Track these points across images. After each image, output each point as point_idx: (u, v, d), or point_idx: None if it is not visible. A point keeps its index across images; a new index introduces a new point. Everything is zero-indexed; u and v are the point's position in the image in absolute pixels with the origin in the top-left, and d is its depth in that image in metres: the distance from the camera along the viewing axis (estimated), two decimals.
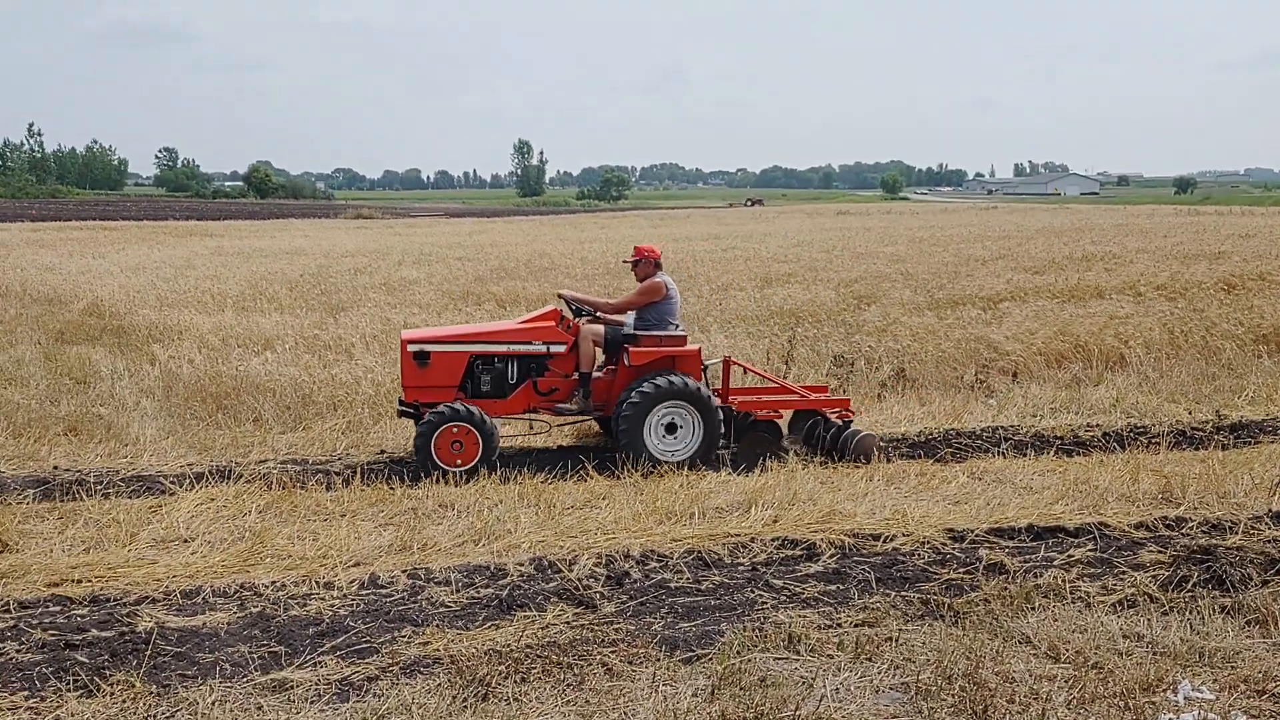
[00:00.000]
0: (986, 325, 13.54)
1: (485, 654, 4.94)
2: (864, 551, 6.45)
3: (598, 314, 9.01)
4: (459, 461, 8.31)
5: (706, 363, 9.30)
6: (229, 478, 8.04)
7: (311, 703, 4.51)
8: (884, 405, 10.86)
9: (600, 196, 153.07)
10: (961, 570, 6.09)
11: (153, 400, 10.86)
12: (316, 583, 5.92)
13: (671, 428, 8.53)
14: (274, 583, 5.92)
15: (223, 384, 11.14)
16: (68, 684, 4.64)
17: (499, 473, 8.18)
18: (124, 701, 4.49)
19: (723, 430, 8.57)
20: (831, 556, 6.35)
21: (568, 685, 4.65)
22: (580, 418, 9.10)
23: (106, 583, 5.92)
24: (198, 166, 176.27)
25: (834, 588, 5.87)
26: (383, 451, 9.22)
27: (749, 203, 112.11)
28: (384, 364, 11.65)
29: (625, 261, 9.48)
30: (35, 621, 5.34)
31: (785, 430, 9.29)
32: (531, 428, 9.60)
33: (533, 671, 4.75)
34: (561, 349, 8.80)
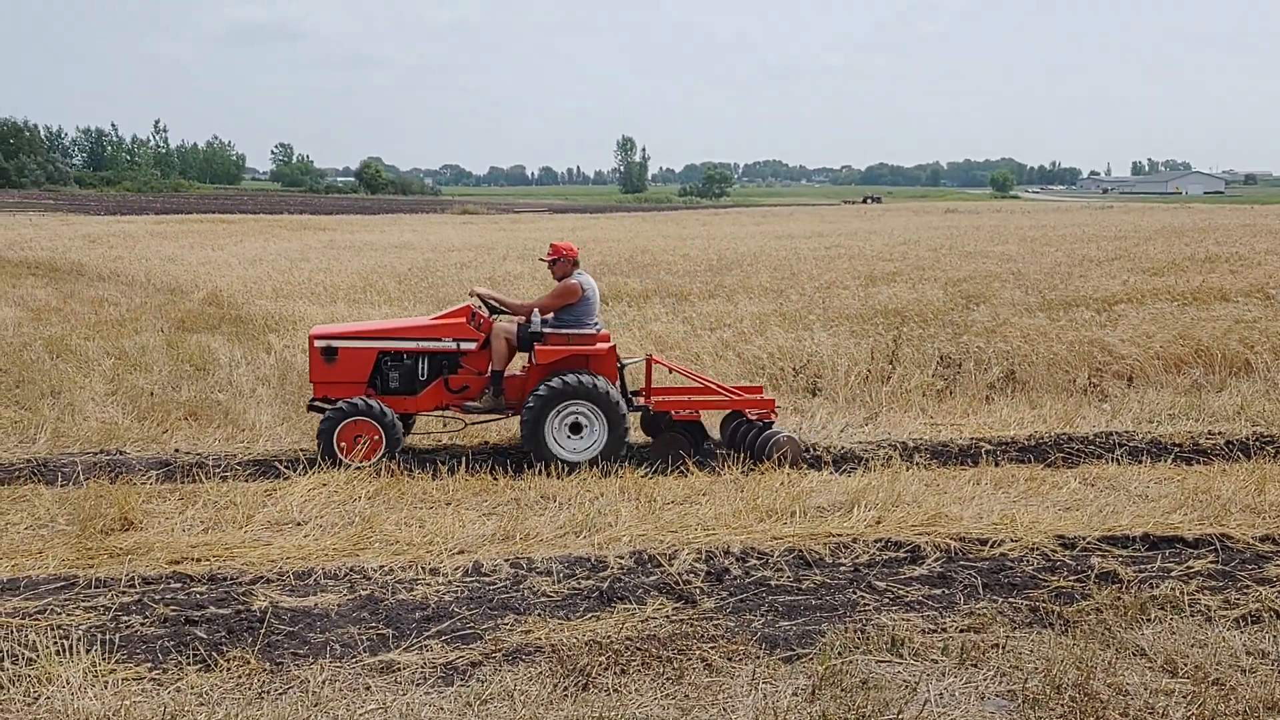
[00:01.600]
0: (1101, 327, 13.10)
1: (586, 644, 4.98)
2: (970, 556, 6.31)
3: (503, 311, 8.94)
4: (361, 456, 8.30)
5: (627, 361, 9.25)
6: (339, 463, 8.25)
7: (417, 685, 4.61)
8: (992, 408, 10.61)
9: (702, 193, 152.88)
10: (1072, 578, 5.91)
11: (268, 387, 11.21)
12: (423, 568, 6.05)
13: (576, 427, 8.40)
14: (382, 567, 6.07)
15: None
16: (187, 658, 4.84)
17: (599, 467, 8.24)
18: (240, 677, 4.66)
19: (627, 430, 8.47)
20: (936, 560, 6.23)
21: (667, 679, 4.66)
22: (490, 416, 9.00)
23: (224, 562, 6.14)
24: (311, 162, 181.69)
25: (939, 592, 5.76)
26: (485, 443, 9.37)
27: (867, 200, 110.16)
28: None
29: (541, 260, 9.32)
30: (158, 597, 5.58)
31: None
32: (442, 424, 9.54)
33: (632, 664, 4.78)
34: (472, 346, 8.75)
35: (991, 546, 6.41)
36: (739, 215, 62.09)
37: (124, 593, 5.62)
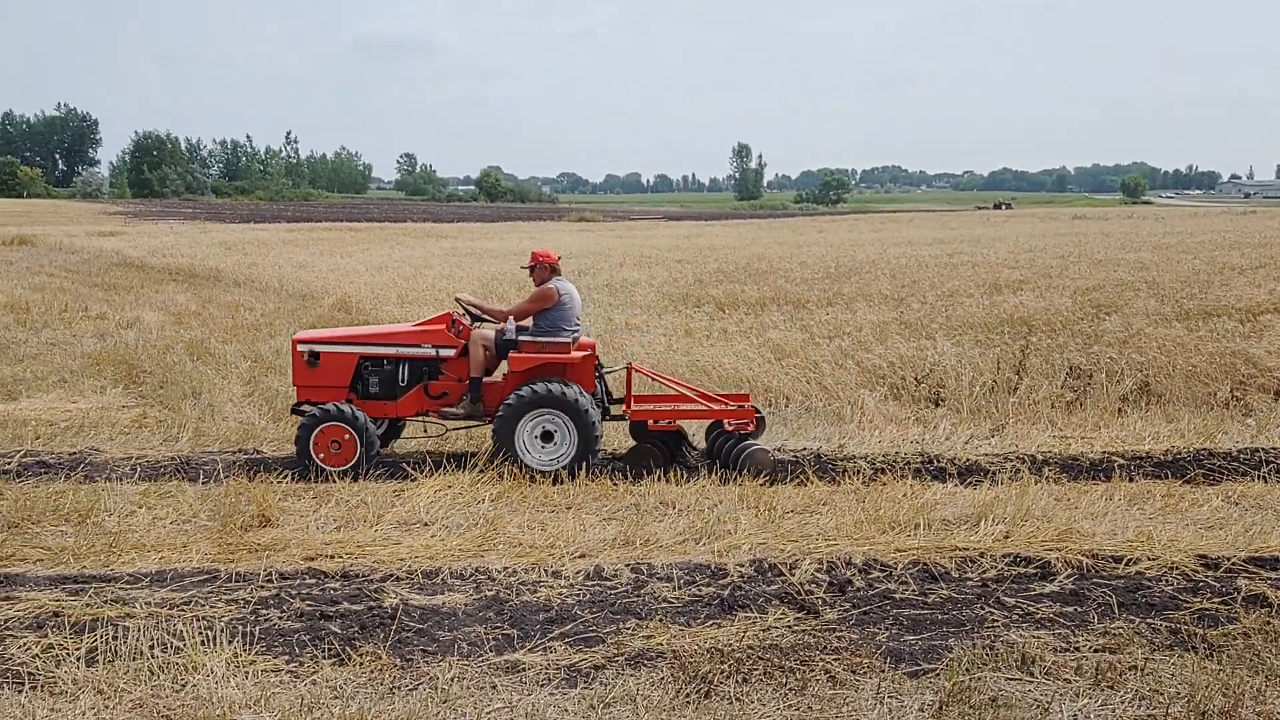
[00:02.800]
0: (1245, 338, 12.50)
1: (707, 651, 4.98)
2: (1104, 574, 6.09)
3: (484, 319, 8.91)
4: (338, 461, 8.34)
5: (611, 369, 9.22)
6: (464, 466, 8.42)
7: (541, 685, 4.68)
8: (1125, 421, 10.22)
9: (819, 200, 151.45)
10: (1216, 600, 5.65)
11: None
12: (545, 571, 6.14)
13: (547, 436, 8.34)
14: (506, 568, 6.18)
15: None
16: (323, 651, 5.01)
17: (718, 473, 8.23)
18: (372, 672, 4.80)
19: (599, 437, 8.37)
20: (1068, 577, 6.03)
21: (790, 689, 4.63)
22: (468, 422, 8.95)
23: (356, 559, 6.34)
24: (434, 171, 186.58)
25: (1071, 609, 5.58)
26: (602, 449, 9.42)
27: (997, 206, 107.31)
28: (607, 362, 11.89)
29: (523, 267, 9.25)
30: (294, 592, 5.79)
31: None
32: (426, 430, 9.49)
33: (754, 673, 4.76)
34: (451, 353, 8.75)
35: (1127, 564, 6.18)
36: (857, 221, 61.28)
37: (262, 587, 5.85)
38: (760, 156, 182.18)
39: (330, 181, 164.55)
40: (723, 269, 22.81)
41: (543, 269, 8.74)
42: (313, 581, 5.98)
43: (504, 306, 9.03)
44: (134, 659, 4.82)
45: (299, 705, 4.45)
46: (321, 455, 8.35)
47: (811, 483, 8.10)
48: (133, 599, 5.63)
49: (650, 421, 8.78)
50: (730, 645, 5.09)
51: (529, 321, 8.73)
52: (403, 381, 8.88)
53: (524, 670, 4.84)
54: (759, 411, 8.93)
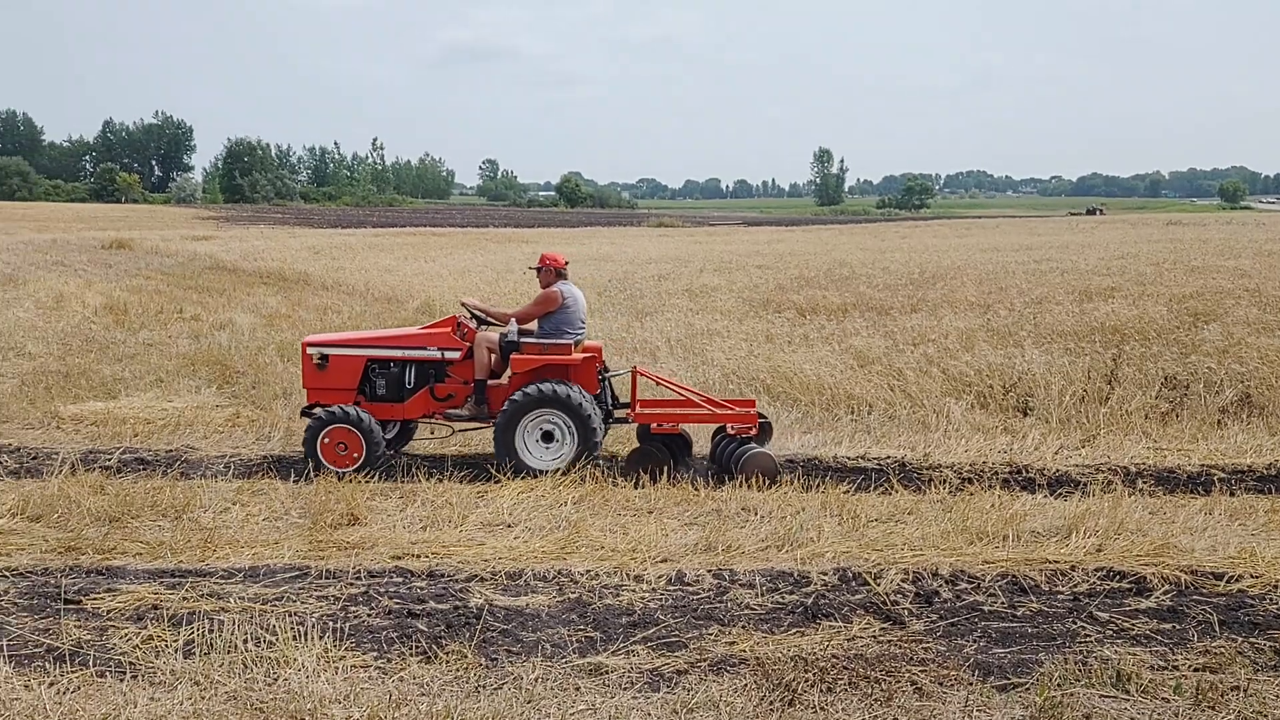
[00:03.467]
0: None
1: (791, 659, 4.94)
2: (1204, 591, 5.90)
3: (489, 322, 9.00)
4: (344, 462, 8.50)
5: (616, 372, 9.28)
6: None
7: (624, 689, 4.68)
8: (1225, 433, 9.88)
9: (901, 205, 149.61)
10: None
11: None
12: (627, 575, 6.15)
13: (548, 436, 8.44)
14: (588, 571, 6.21)
15: None
16: (410, 649, 5.09)
17: (800, 480, 8.17)
18: (458, 670, 4.86)
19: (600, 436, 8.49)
20: (1165, 593, 5.85)
21: (875, 700, 4.56)
22: (472, 424, 9.02)
23: (441, 559, 6.43)
24: (515, 177, 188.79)
25: (1169, 626, 5.41)
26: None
27: (1089, 211, 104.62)
28: (687, 368, 11.93)
29: (530, 269, 9.31)
30: (382, 590, 5.89)
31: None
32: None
33: (839, 682, 4.71)
34: (456, 356, 8.85)
35: (1228, 582, 5.98)
36: (940, 227, 60.29)
37: (351, 584, 5.96)
38: (842, 161, 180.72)
39: (414, 187, 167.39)
40: (804, 275, 22.65)
41: (549, 272, 8.89)
42: (400, 580, 6.08)
43: (510, 310, 9.15)
44: (228, 652, 4.95)
45: (387, 701, 4.52)
46: (329, 457, 8.55)
47: (896, 491, 7.99)
48: (227, 593, 5.79)
49: (653, 424, 8.84)
50: (814, 654, 5.04)
51: (534, 324, 8.85)
52: (409, 384, 9.03)
53: (607, 673, 4.85)
54: (763, 417, 8.95)
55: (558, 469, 8.32)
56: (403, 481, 8.24)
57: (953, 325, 14.18)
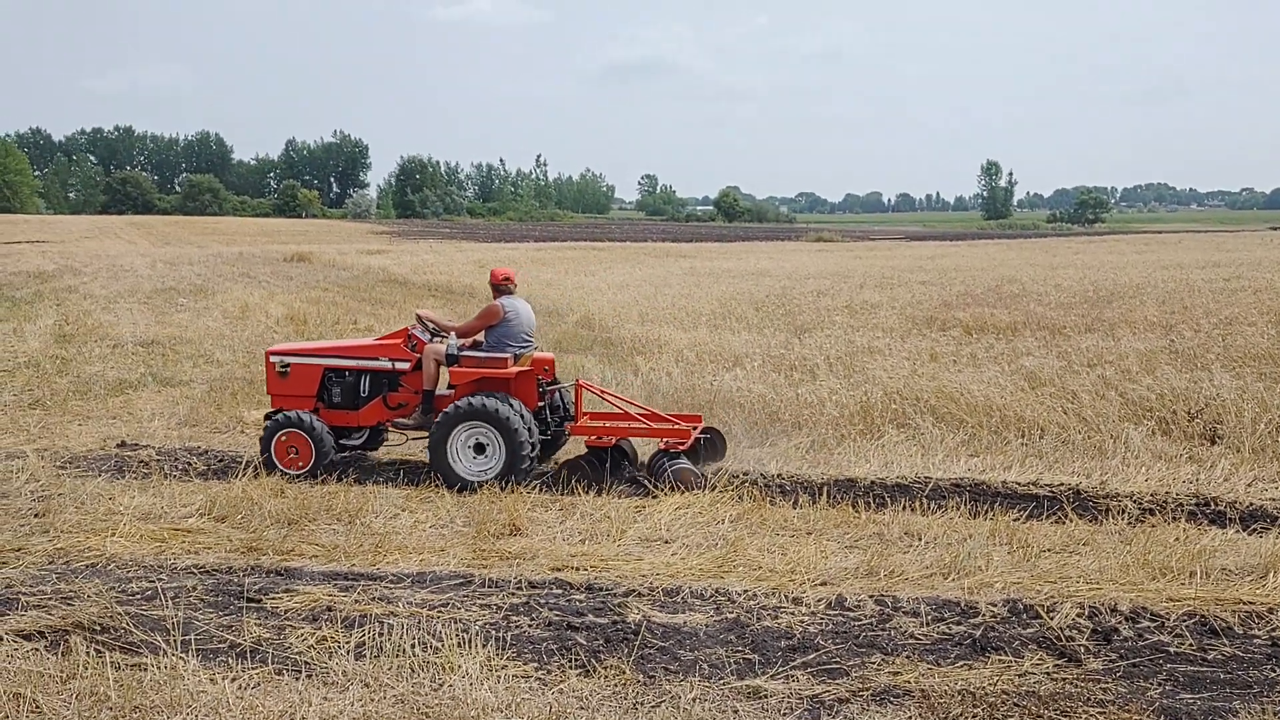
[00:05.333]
0: None
1: (958, 693, 4.76)
2: None
3: (439, 333, 9.18)
4: (294, 464, 8.85)
5: (562, 385, 9.45)
6: (703, 486, 8.46)
7: (784, 715, 4.60)
8: None
9: (1074, 219, 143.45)
10: None
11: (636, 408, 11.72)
12: (785, 597, 6.05)
13: (480, 447, 8.59)
14: (745, 591, 6.14)
15: (697, 396, 11.78)
16: (569, 661, 5.13)
17: (966, 505, 7.88)
18: (616, 686, 4.87)
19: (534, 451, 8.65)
20: None
21: None
22: (419, 432, 9.20)
23: (599, 573, 6.48)
24: (674, 192, 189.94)
25: None
26: (845, 477, 9.21)
27: None
28: (848, 386, 11.69)
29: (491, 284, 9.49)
30: (542, 601, 5.97)
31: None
32: None
33: (1008, 719, 4.50)
34: (406, 366, 9.14)
35: None
36: (1117, 242, 57.52)
37: (513, 594, 6.07)
38: (1010, 174, 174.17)
39: (575, 202, 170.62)
40: (970, 291, 21.97)
41: (495, 288, 9.18)
42: (559, 592, 6.15)
43: (460, 323, 9.30)
44: (397, 656, 5.10)
45: (547, 713, 4.57)
46: (281, 459, 8.92)
47: (1070, 521, 7.61)
48: (396, 598, 5.98)
49: (588, 438, 9.02)
50: (982, 688, 4.84)
51: (483, 336, 9.06)
52: (364, 393, 9.35)
53: (766, 697, 4.78)
54: (709, 432, 9.31)
55: (485, 481, 8.48)
56: (562, 494, 8.35)
57: (1132, 346, 13.46)
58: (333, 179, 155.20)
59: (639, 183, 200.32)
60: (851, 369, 12.74)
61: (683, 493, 8.19)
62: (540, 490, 8.46)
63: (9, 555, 6.72)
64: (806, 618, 5.76)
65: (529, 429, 8.61)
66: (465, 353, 8.92)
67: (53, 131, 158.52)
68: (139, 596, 5.96)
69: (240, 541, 7.08)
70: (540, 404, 9.11)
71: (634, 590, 6.16)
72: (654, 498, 8.17)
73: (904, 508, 7.91)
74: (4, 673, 4.84)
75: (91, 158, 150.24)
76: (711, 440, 9.38)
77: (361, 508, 7.79)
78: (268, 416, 9.30)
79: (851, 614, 5.83)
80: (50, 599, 5.85)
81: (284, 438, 8.95)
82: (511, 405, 8.60)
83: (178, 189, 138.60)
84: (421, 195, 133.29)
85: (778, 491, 8.44)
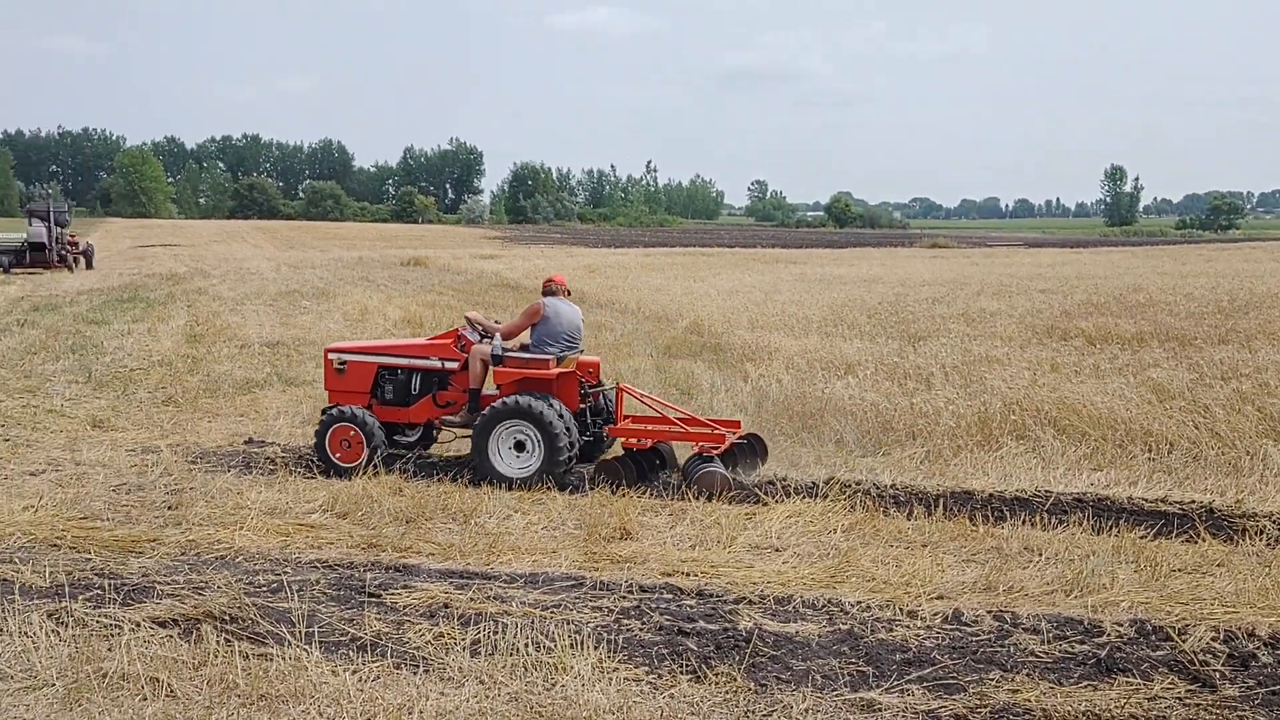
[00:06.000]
0: None
1: (1081, 715, 4.62)
2: None
3: (487, 334, 9.41)
4: (347, 458, 9.12)
5: (596, 387, 9.55)
6: (815, 494, 8.38)
7: None
8: None
9: (1205, 225, 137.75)
10: None
11: (745, 415, 11.65)
12: (900, 609, 5.94)
13: (520, 446, 8.76)
14: (859, 603, 6.04)
15: (807, 404, 11.67)
16: (680, 667, 5.13)
17: (1089, 521, 7.62)
18: (727, 693, 4.85)
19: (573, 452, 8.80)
20: None
21: None
22: (466, 430, 9.27)
23: (710, 579, 6.46)
24: (784, 197, 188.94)
25: None
26: (962, 489, 9.00)
27: None
28: (965, 396, 11.43)
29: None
30: (653, 605, 5.98)
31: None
32: None
33: None
34: (455, 365, 9.42)
35: None
36: (1253, 250, 54.91)
37: (624, 597, 6.09)
38: (1137, 179, 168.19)
39: (684, 208, 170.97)
40: (1092, 300, 21.27)
41: (543, 289, 9.52)
42: (670, 597, 6.16)
43: (505, 324, 9.56)
44: (511, 654, 5.17)
45: (658, 717, 4.58)
46: (336, 453, 9.17)
47: (1203, 540, 7.29)
48: (510, 597, 6.06)
49: (623, 440, 9.18)
50: (1108, 711, 4.67)
51: (528, 336, 9.32)
52: (415, 390, 9.68)
53: (880, 711, 4.70)
54: (747, 438, 9.29)
55: (525, 478, 8.66)
56: (672, 499, 8.36)
57: (1271, 359, 12.84)
58: (448, 185, 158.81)
59: (749, 188, 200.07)
60: (968, 378, 12.45)
61: (709, 497, 8.29)
62: (650, 495, 8.48)
63: (145, 545, 7.04)
64: (922, 631, 5.64)
65: (568, 429, 8.78)
66: (510, 353, 9.17)
67: (186, 139, 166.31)
68: (265, 589, 6.18)
69: (360, 538, 7.28)
70: (583, 405, 9.31)
71: (745, 598, 6.12)
72: (764, 505, 8.12)
73: (1023, 522, 7.68)
74: (141, 658, 5.07)
75: (221, 164, 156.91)
76: (751, 446, 9.34)
77: (476, 508, 7.93)
78: (324, 411, 9.59)
79: (969, 629, 5.69)
80: (183, 588, 6.11)
81: (337, 431, 9.22)
82: (552, 405, 8.79)
83: (301, 195, 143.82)
84: (533, 201, 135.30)
85: (891, 502, 8.30)
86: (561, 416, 8.77)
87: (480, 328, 9.57)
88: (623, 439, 9.20)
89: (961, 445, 10.01)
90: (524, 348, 9.31)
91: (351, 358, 9.78)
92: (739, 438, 9.27)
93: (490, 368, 9.23)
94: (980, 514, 7.92)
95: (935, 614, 5.88)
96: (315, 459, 9.37)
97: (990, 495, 8.50)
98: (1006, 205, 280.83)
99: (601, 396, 9.63)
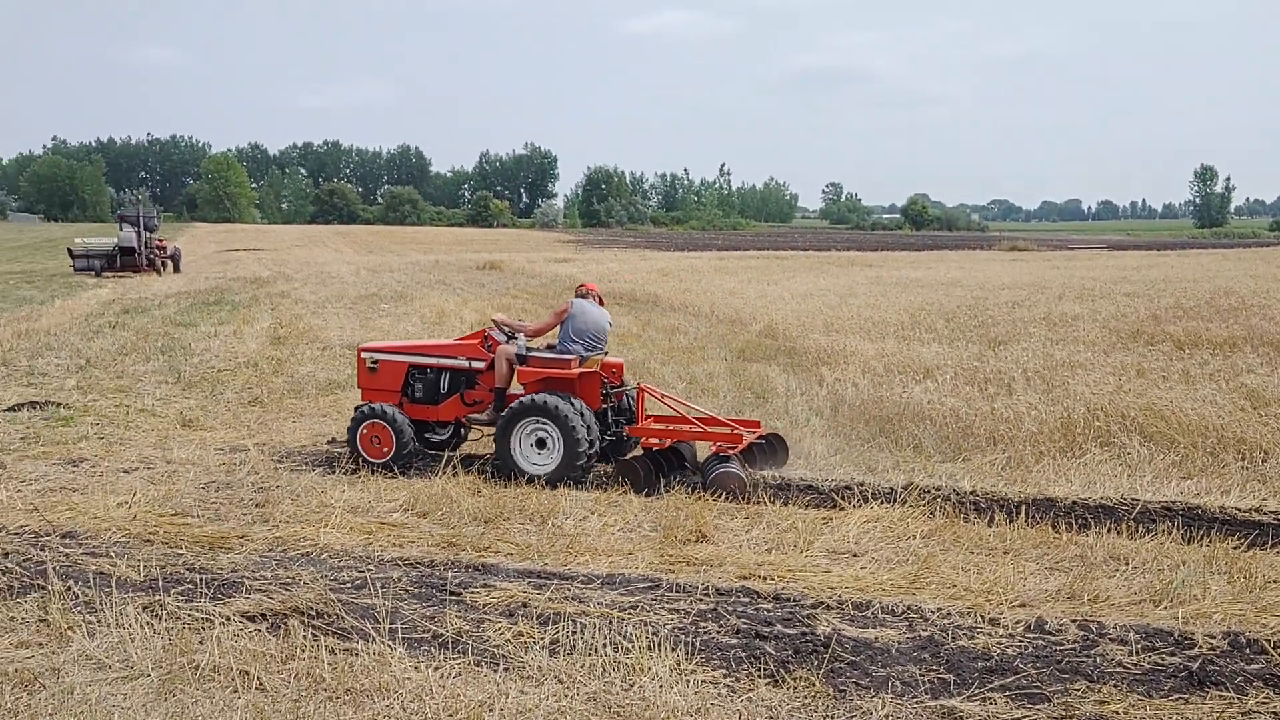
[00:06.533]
0: None
1: None
2: None
3: (514, 334, 9.66)
4: (376, 454, 9.35)
5: (618, 387, 9.66)
6: (892, 500, 8.29)
7: None
8: None
9: None
10: None
11: (821, 419, 11.59)
12: (981, 617, 5.86)
13: (541, 443, 8.93)
14: (939, 610, 5.97)
15: (884, 408, 11.55)
16: (758, 670, 5.12)
17: (1179, 530, 7.42)
18: (805, 698, 4.83)
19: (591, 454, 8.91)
20: None
21: None
22: (491, 429, 9.40)
23: (787, 583, 6.44)
24: (859, 200, 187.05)
25: None
26: (1044, 496, 8.82)
27: None
28: (1048, 401, 11.20)
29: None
30: (730, 608, 5.98)
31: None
32: None
33: None
34: (481, 365, 9.64)
35: None
36: None
37: (700, 600, 6.10)
38: (1228, 179, 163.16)
39: (758, 211, 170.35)
40: (1181, 304, 20.68)
41: (576, 294, 9.77)
42: (746, 600, 6.14)
43: (532, 325, 9.86)
44: (589, 654, 5.21)
45: None
46: (365, 448, 9.41)
47: None
48: (587, 598, 6.11)
49: (642, 439, 9.37)
50: None
51: (554, 338, 9.58)
52: (443, 389, 9.91)
53: (962, 718, 4.63)
54: (765, 438, 9.33)
55: (546, 475, 8.83)
56: (748, 503, 8.33)
57: None
58: (522, 189, 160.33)
59: (823, 191, 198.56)
60: (1051, 383, 12.21)
61: (727, 497, 8.39)
62: (726, 498, 8.47)
63: (234, 541, 7.24)
64: (1004, 639, 5.55)
65: (588, 428, 8.93)
66: (534, 353, 9.42)
67: (269, 146, 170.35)
68: (349, 585, 6.31)
69: (440, 537, 7.40)
70: (606, 405, 9.48)
71: (822, 602, 6.09)
72: (840, 510, 8.06)
73: (1109, 530, 7.51)
74: (231, 651, 5.21)
75: (302, 170, 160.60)
76: (772, 445, 9.41)
77: (553, 509, 8.00)
78: (356, 409, 9.81)
79: (1053, 638, 5.58)
80: (270, 584, 6.27)
81: (368, 428, 9.45)
82: (573, 404, 8.96)
83: (379, 200, 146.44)
84: (607, 205, 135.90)
85: (971, 508, 8.17)
86: (582, 415, 8.94)
87: (507, 329, 9.81)
88: (642, 439, 9.40)
89: (1044, 451, 9.81)
90: (549, 348, 9.58)
91: (383, 357, 10.07)
92: (758, 437, 9.35)
93: (515, 367, 9.46)
94: (1063, 521, 7.77)
95: (1018, 622, 5.78)
96: (347, 453, 9.63)
97: (1074, 502, 8.32)
98: (1089, 207, 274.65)
99: (625, 397, 9.80)
